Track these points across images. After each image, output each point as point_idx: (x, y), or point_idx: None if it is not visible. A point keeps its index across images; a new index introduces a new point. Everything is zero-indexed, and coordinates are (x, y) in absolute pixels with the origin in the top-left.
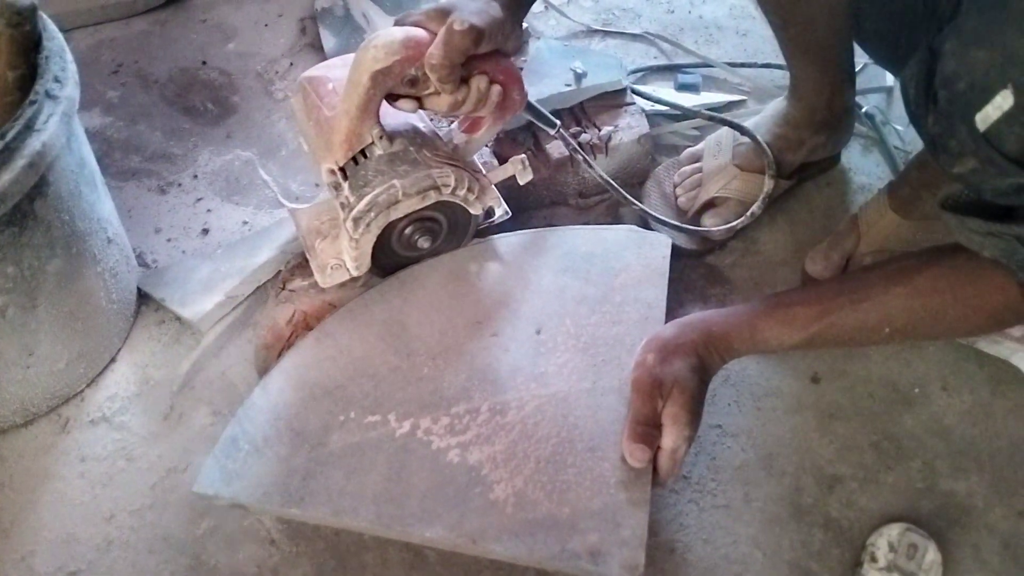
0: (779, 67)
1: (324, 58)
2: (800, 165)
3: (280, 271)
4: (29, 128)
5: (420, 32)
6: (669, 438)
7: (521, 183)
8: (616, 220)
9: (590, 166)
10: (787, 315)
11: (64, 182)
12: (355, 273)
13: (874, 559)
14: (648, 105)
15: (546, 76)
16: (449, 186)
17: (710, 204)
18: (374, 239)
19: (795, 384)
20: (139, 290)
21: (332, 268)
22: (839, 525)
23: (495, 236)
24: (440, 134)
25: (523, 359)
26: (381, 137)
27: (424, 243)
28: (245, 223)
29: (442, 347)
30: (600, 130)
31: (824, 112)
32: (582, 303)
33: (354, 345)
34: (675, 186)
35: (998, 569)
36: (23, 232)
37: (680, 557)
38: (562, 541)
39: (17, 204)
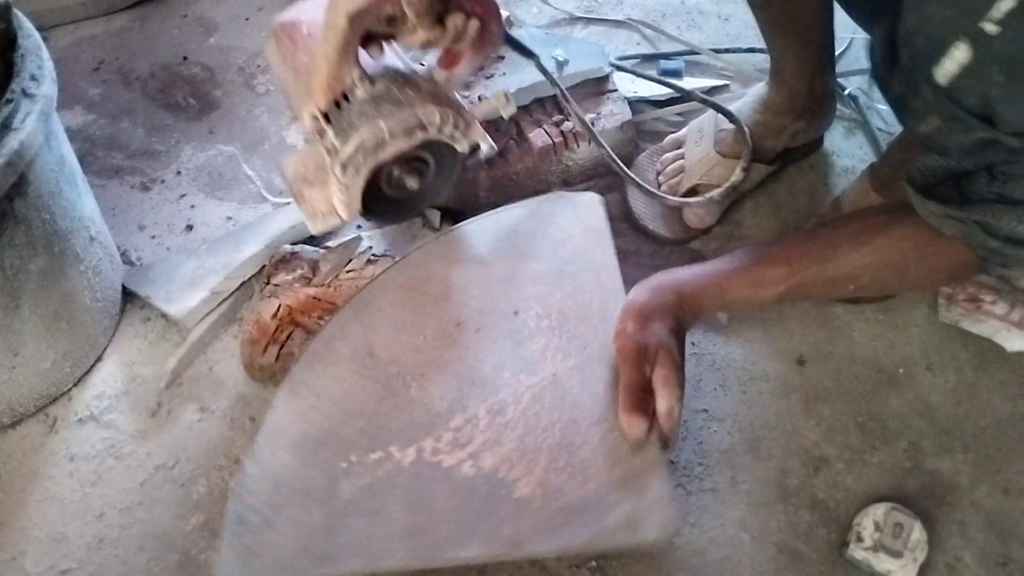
0: (762, 51)
1: None
2: (783, 151)
3: (265, 266)
4: (6, 127)
5: None
6: (663, 401)
7: (505, 117)
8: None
9: (589, 130)
10: (756, 276)
11: (44, 181)
12: (346, 218)
13: (860, 539)
14: (631, 92)
15: (528, 64)
16: (435, 124)
17: (692, 191)
18: (364, 183)
19: (780, 367)
20: (124, 288)
21: (323, 215)
22: (825, 506)
23: (430, 239)
24: (419, 70)
25: (504, 354)
26: (362, 79)
27: (413, 183)
28: (229, 218)
29: (419, 364)
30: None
31: (805, 97)
32: (540, 282)
33: (331, 387)
34: (658, 174)
35: (983, 546)
36: (3, 232)
37: (668, 541)
38: (597, 520)
39: None
